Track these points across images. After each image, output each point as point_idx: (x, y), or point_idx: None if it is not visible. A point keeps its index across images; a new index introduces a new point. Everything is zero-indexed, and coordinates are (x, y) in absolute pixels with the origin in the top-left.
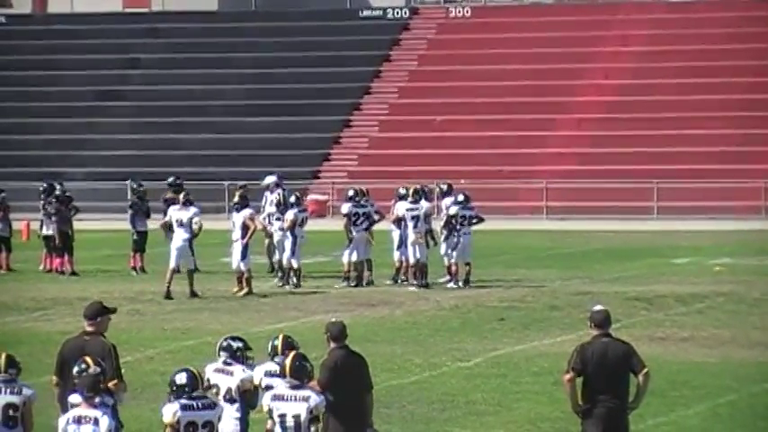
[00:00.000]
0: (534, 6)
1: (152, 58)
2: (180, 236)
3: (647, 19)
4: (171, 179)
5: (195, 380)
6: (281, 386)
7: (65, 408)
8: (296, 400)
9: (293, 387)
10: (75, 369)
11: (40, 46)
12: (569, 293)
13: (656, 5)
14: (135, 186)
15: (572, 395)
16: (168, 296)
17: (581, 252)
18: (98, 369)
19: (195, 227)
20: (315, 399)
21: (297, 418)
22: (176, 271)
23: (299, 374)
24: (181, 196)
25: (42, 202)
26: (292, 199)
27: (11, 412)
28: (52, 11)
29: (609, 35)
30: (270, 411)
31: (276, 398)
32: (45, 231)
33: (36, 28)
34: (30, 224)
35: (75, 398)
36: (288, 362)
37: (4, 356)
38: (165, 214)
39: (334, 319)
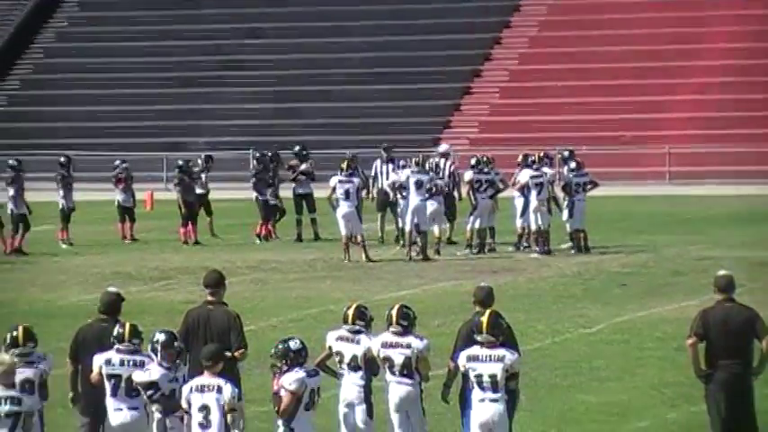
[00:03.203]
0: None
1: (273, 27)
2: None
3: None
4: (297, 148)
5: (306, 348)
6: (475, 347)
7: (191, 373)
8: (491, 360)
9: (488, 346)
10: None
11: (160, 16)
12: (692, 259)
13: None
14: (259, 156)
15: (695, 360)
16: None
17: (704, 217)
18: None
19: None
20: (510, 357)
21: (493, 377)
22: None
23: (496, 331)
24: (344, 165)
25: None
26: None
27: (27, 387)
28: None
29: None
30: (466, 372)
31: (471, 359)
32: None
33: None
34: (153, 194)
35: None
36: (485, 319)
37: (21, 329)
38: (296, 180)
39: (483, 284)
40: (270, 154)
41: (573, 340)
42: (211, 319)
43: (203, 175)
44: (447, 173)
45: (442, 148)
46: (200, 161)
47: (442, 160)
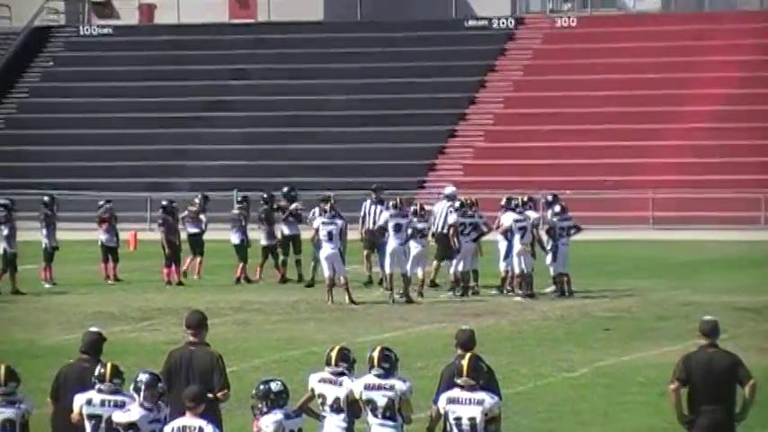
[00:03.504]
0: (640, 16)
1: (258, 68)
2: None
3: (751, 28)
4: (286, 189)
5: (287, 389)
6: (455, 389)
7: (173, 414)
8: (470, 403)
9: (468, 389)
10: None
11: (146, 57)
12: (676, 304)
13: (761, 14)
14: (242, 198)
15: (677, 405)
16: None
17: (688, 262)
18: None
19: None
20: (489, 401)
21: (472, 420)
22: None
23: (476, 374)
24: (327, 207)
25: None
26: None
27: (8, 427)
28: (159, 22)
29: (715, 45)
30: (445, 414)
31: (451, 401)
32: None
33: (142, 39)
34: (136, 234)
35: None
36: (465, 362)
37: (3, 368)
38: (285, 221)
39: (465, 327)
40: (264, 195)
41: (556, 384)
42: (194, 359)
43: (202, 216)
44: (445, 214)
45: (448, 190)
46: (197, 200)
47: (444, 201)
